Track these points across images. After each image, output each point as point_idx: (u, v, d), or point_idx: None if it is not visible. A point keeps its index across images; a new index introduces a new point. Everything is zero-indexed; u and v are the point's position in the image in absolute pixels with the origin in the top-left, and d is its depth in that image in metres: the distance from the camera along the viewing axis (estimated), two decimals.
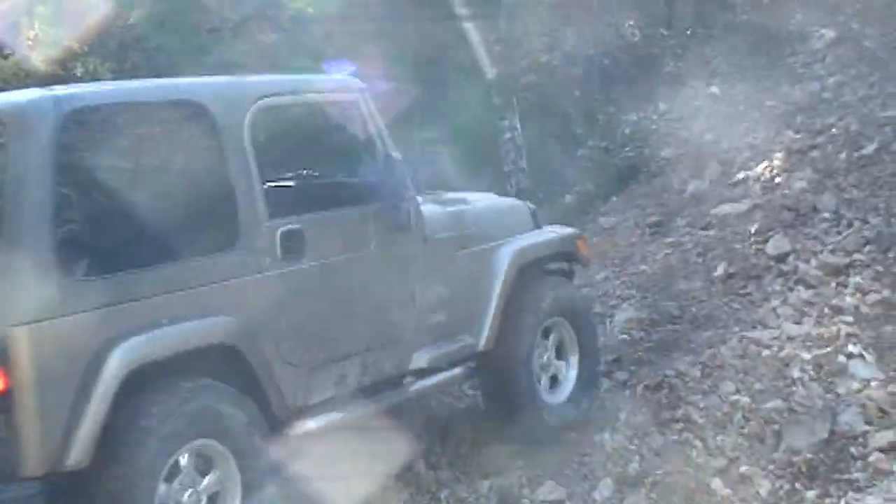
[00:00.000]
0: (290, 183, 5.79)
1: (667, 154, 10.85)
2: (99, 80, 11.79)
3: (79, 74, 12.54)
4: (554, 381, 6.37)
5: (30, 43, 12.38)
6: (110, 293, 4.42)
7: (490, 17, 11.72)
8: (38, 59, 12.10)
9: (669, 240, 9.01)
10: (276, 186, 5.32)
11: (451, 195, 6.48)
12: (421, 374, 5.71)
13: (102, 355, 4.32)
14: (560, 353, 6.43)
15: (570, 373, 6.43)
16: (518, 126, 11.54)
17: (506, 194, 11.31)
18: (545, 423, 6.15)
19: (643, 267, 8.66)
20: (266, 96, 5.20)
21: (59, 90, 4.68)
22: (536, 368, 6.20)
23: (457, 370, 5.92)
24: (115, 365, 4.32)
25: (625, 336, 7.50)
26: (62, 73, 12.09)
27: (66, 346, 4.28)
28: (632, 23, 13.53)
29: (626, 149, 11.48)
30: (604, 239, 9.52)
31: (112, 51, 12.30)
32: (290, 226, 5.04)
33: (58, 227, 4.30)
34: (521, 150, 11.53)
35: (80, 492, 4.38)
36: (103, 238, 4.55)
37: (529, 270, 6.29)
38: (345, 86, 5.62)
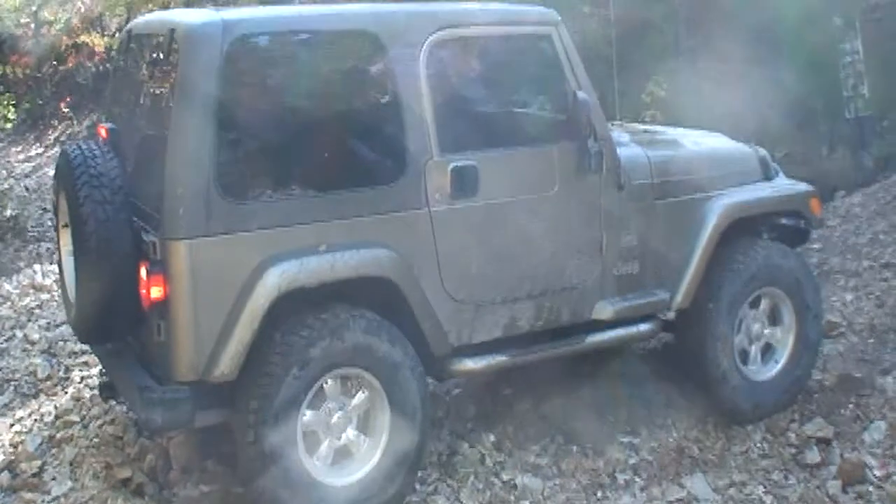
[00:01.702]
0: (469, 117, 5.32)
1: None
2: None
3: None
4: (768, 349, 5.87)
5: None
6: (269, 216, 4.54)
7: None
8: None
9: None
10: (453, 120, 5.01)
11: (665, 136, 6.06)
12: (603, 325, 5.39)
13: (256, 275, 4.47)
14: (775, 320, 5.86)
15: (786, 340, 5.86)
16: (860, 50, 10.81)
17: (841, 121, 10.83)
18: (738, 404, 5.71)
19: None
20: (446, 27, 5.00)
21: (230, 13, 4.78)
22: (740, 339, 5.74)
23: (643, 326, 5.50)
24: (268, 286, 4.47)
25: None
26: None
27: (223, 263, 4.47)
28: None
29: None
30: None
31: None
32: (463, 161, 4.91)
33: (221, 148, 4.44)
34: (861, 76, 10.81)
35: (226, 402, 4.63)
36: (265, 162, 4.64)
37: (743, 229, 5.73)
38: (538, 18, 5.29)
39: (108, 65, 16.32)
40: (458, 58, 5.27)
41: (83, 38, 16.78)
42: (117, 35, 16.62)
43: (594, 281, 5.34)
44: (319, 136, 4.74)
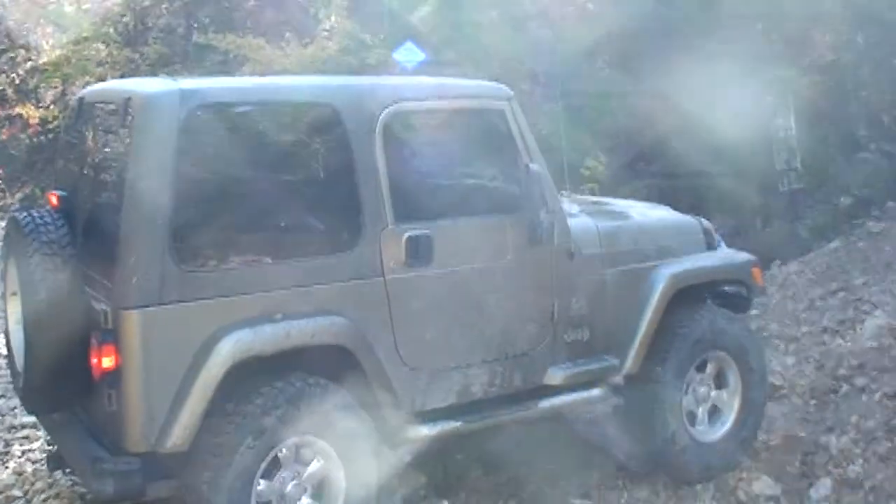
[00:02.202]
0: (424, 188, 5.39)
1: None
2: (392, 70, 12.55)
3: (372, 63, 13.31)
4: (715, 411, 5.96)
5: (326, 33, 13.21)
6: (224, 285, 4.49)
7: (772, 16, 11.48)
8: (334, 49, 12.91)
9: None
10: (408, 190, 5.08)
11: (613, 207, 6.22)
12: (555, 391, 5.42)
13: (210, 344, 4.40)
14: (721, 383, 5.96)
15: (732, 402, 5.93)
16: (793, 125, 11.21)
17: (776, 194, 11.17)
18: (687, 465, 5.78)
19: None
20: (402, 100, 5.10)
21: (187, 83, 4.75)
22: (688, 402, 5.80)
23: (594, 391, 5.55)
24: (222, 355, 4.40)
25: (873, 343, 7.20)
26: (354, 62, 12.92)
27: (176, 333, 4.39)
28: None
29: None
30: None
31: (398, 41, 12.90)
32: (418, 231, 4.97)
33: (176, 216, 4.38)
34: (794, 151, 11.19)
35: (179, 473, 4.50)
36: (220, 231, 4.59)
37: (689, 296, 5.84)
38: (491, 93, 5.45)
39: (42, 137, 16.19)
40: (414, 130, 5.36)
41: (18, 109, 16.64)
42: (52, 107, 16.55)
43: (545, 347, 5.38)
44: (275, 204, 4.73)
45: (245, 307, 4.51)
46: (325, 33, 13.37)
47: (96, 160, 5.05)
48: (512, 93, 5.43)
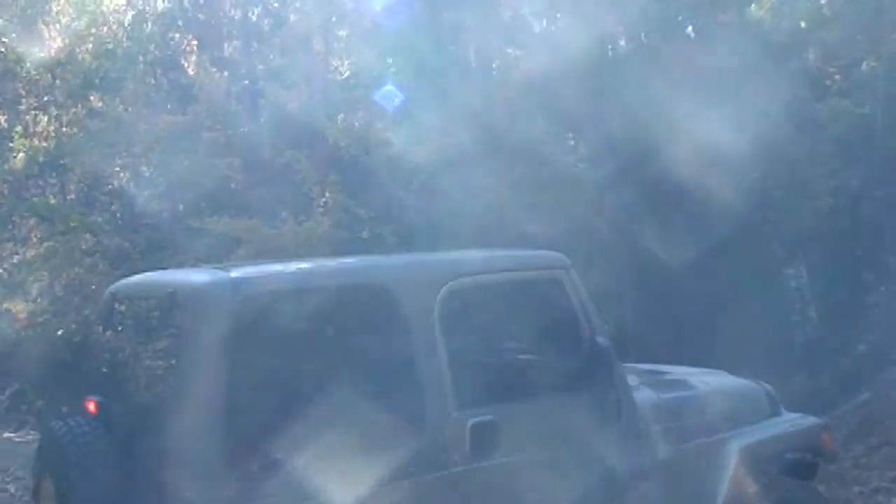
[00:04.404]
0: (484, 369, 5.13)
1: None
2: (383, 243, 12.45)
3: (365, 237, 13.16)
4: None
5: (321, 210, 13.11)
6: (281, 491, 4.19)
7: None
8: (328, 224, 12.77)
9: None
10: (468, 373, 4.84)
11: (672, 376, 5.93)
12: None
13: None
14: None
15: None
16: (804, 274, 11.09)
17: (793, 346, 10.94)
18: None
19: None
20: (458, 277, 4.90)
21: (237, 272, 4.53)
22: None
23: None
24: None
25: None
26: (349, 236, 12.78)
27: None
28: None
29: None
30: None
31: (394, 216, 12.79)
32: (481, 417, 4.68)
33: (231, 418, 4.12)
34: (807, 300, 11.05)
35: None
36: (278, 431, 4.27)
37: (761, 468, 5.51)
38: (547, 262, 5.26)
39: (30, 331, 15.81)
40: (472, 308, 5.09)
41: (5, 304, 16.31)
42: (39, 300, 16.23)
43: None
44: (333, 398, 4.43)
45: None
46: (321, 209, 13.24)
47: (137, 360, 4.78)
48: (569, 261, 5.19)
